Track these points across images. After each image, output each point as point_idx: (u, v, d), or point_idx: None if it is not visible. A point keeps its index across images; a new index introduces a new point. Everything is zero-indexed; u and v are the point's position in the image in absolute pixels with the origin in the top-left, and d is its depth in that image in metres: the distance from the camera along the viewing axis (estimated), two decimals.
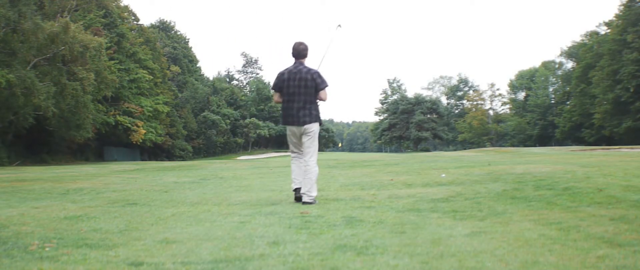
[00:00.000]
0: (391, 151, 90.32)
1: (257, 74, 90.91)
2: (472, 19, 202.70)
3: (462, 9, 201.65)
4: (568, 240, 3.24)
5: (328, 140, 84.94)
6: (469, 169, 9.94)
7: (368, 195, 6.35)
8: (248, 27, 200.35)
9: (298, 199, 5.77)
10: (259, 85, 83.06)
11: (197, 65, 74.50)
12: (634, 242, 3.10)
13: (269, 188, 8.10)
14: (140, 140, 45.63)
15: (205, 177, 11.52)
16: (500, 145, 70.00)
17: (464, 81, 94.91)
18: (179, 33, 72.47)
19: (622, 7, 49.86)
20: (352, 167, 13.74)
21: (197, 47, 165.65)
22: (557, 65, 77.87)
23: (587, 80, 55.06)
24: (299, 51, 5.94)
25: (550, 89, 75.81)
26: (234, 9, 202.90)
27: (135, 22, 54.27)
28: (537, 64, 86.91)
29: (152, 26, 65.30)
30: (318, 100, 5.93)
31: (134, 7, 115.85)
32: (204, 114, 68.04)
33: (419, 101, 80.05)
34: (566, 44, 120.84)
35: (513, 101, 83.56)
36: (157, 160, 48.51)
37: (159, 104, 49.79)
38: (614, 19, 52.67)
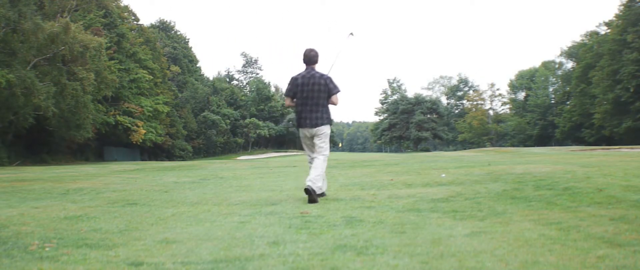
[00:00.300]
0: (391, 151, 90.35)
1: (257, 74, 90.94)
2: (472, 19, 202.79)
3: (462, 9, 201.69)
4: (568, 240, 3.24)
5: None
6: (469, 169, 9.94)
7: (368, 195, 6.35)
8: (248, 27, 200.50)
9: (312, 201, 5.76)
10: (259, 85, 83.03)
11: (197, 65, 74.49)
12: (634, 242, 3.10)
13: (269, 188, 8.10)
14: (140, 140, 45.63)
15: (205, 177, 11.51)
16: (500, 145, 70.00)
17: (464, 81, 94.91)
18: (179, 33, 72.46)
19: (622, 7, 49.86)
20: (352, 167, 13.74)
21: (197, 47, 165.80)
22: (557, 65, 77.88)
23: (587, 80, 55.06)
24: (310, 57, 6.23)
25: (550, 89, 75.80)
26: (234, 9, 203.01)
27: (135, 22, 54.26)
28: (537, 64, 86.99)
29: (152, 26, 65.30)
30: (330, 104, 6.24)
31: (134, 7, 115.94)
32: (204, 114, 68.04)
33: (419, 101, 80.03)
34: (566, 44, 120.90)
35: (513, 101, 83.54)
36: (157, 160, 48.51)
37: (159, 104, 49.79)
38: (614, 19, 52.67)
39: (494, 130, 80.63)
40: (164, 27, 69.94)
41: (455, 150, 76.82)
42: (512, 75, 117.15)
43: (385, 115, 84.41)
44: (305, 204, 5.63)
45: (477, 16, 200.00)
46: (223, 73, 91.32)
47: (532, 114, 72.74)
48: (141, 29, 53.90)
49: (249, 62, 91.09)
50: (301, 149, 75.53)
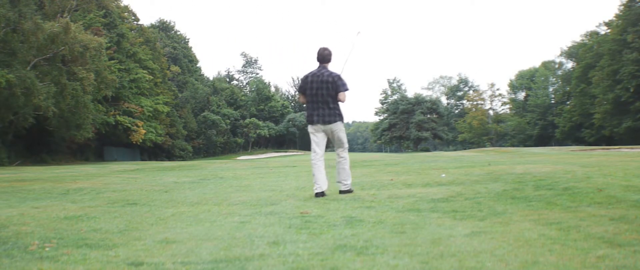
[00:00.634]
0: (391, 151, 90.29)
1: (257, 74, 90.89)
2: (472, 19, 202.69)
3: (462, 9, 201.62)
4: (568, 240, 3.24)
5: (328, 141, 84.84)
6: (469, 169, 9.94)
7: (368, 195, 6.34)
8: (248, 27, 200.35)
9: (319, 194, 6.17)
10: (259, 85, 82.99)
11: (197, 65, 74.46)
12: (634, 242, 3.10)
13: (269, 188, 8.09)
14: (140, 140, 45.61)
15: (205, 177, 11.51)
16: (500, 145, 69.98)
17: (464, 81, 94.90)
18: (179, 33, 72.44)
19: (622, 7, 49.87)
20: (352, 167, 13.71)
21: (197, 47, 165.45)
22: (557, 65, 77.90)
23: (587, 80, 55.07)
24: (324, 56, 6.42)
25: (550, 89, 75.81)
26: (234, 9, 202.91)
27: (135, 22, 54.25)
28: (537, 64, 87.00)
29: (152, 26, 65.26)
30: (338, 101, 6.38)
31: (134, 7, 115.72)
32: (204, 114, 68.02)
33: (419, 101, 79.98)
34: (566, 44, 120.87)
35: (513, 101, 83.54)
36: (157, 160, 48.50)
37: (159, 104, 49.78)
38: (614, 19, 52.69)
39: (494, 130, 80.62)
40: (164, 27, 69.92)
41: (455, 150, 76.82)
42: (512, 75, 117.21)
43: (385, 115, 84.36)
44: (305, 203, 5.62)
45: (477, 16, 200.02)
46: (223, 73, 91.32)
47: (532, 114, 72.74)
48: (141, 29, 53.89)
49: (249, 62, 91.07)
50: (301, 149, 75.54)
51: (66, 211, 5.30)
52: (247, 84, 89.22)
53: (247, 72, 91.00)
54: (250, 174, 12.16)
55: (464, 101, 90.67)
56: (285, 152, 65.56)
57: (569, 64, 72.08)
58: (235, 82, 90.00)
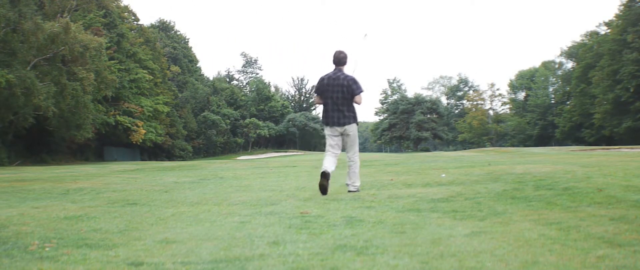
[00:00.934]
0: (391, 151, 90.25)
1: (257, 74, 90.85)
2: (472, 19, 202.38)
3: (462, 9, 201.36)
4: (568, 240, 3.24)
5: None
6: (469, 169, 9.94)
7: (368, 195, 6.35)
8: (248, 27, 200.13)
9: (324, 176, 6.38)
10: (259, 85, 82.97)
11: (197, 65, 74.43)
12: (634, 242, 3.10)
13: (269, 188, 8.09)
14: (140, 140, 45.61)
15: (205, 177, 11.51)
16: (500, 145, 69.98)
17: (464, 81, 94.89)
18: (179, 33, 72.41)
19: (622, 7, 49.88)
20: None
21: (197, 47, 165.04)
22: (557, 65, 77.89)
23: (587, 80, 55.07)
24: (340, 59, 6.65)
25: (550, 89, 75.81)
26: (234, 9, 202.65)
27: (135, 22, 54.24)
28: (537, 64, 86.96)
29: (152, 26, 65.23)
30: (354, 103, 6.64)
31: (134, 7, 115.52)
32: (204, 114, 68.00)
33: (419, 101, 79.98)
34: (566, 44, 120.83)
35: (513, 101, 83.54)
36: (157, 160, 48.49)
37: (159, 104, 49.77)
38: (614, 19, 52.69)
39: (494, 130, 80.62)
40: (164, 27, 69.90)
41: (455, 150, 76.80)
42: (512, 75, 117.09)
43: (385, 115, 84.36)
44: (305, 203, 5.62)
45: (477, 16, 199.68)
46: (223, 73, 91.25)
47: (532, 114, 72.74)
48: (141, 29, 53.88)
49: (249, 62, 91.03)
50: (301, 149, 75.61)
51: (66, 211, 5.30)
52: (247, 84, 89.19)
53: (247, 72, 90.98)
54: (250, 174, 12.16)
55: (464, 101, 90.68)
56: (285, 152, 65.53)
57: (569, 64, 72.10)
58: (235, 82, 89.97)
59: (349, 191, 6.67)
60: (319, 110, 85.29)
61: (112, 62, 40.85)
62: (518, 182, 6.83)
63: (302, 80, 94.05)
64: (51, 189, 8.33)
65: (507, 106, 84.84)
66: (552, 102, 72.71)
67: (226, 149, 72.46)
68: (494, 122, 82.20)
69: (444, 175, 8.78)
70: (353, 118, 6.62)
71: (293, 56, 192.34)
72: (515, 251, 2.95)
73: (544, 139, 68.96)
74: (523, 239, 3.32)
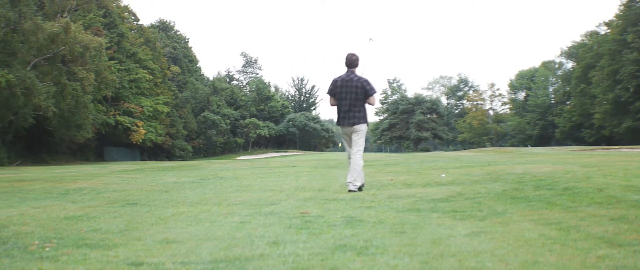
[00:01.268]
0: (391, 151, 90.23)
1: (257, 74, 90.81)
2: (472, 19, 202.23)
3: (462, 9, 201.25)
4: (568, 240, 3.24)
5: (328, 140, 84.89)
6: (469, 169, 9.94)
7: (368, 195, 6.34)
8: (248, 27, 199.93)
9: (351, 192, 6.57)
10: (259, 85, 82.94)
11: (197, 65, 74.42)
12: (634, 242, 3.10)
13: (268, 188, 8.09)
14: (140, 140, 45.60)
15: (205, 177, 11.51)
16: (500, 145, 69.98)
17: (464, 81, 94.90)
18: (179, 33, 72.39)
19: (622, 7, 49.86)
20: None
21: (197, 47, 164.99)
22: (557, 65, 77.91)
23: (587, 80, 55.06)
24: (352, 61, 6.92)
25: (550, 89, 75.81)
26: (234, 9, 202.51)
27: (135, 22, 54.23)
28: (537, 64, 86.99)
29: (152, 26, 65.22)
30: (367, 104, 6.91)
31: (134, 7, 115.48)
32: (204, 114, 67.97)
33: (419, 101, 79.98)
34: (566, 44, 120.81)
35: (513, 101, 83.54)
36: (157, 160, 48.47)
37: (159, 104, 49.76)
38: (614, 19, 52.68)
39: (494, 130, 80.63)
40: (164, 27, 69.89)
41: (455, 150, 76.79)
42: (512, 75, 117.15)
43: (385, 115, 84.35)
44: (305, 203, 5.62)
45: (477, 16, 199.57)
46: (223, 73, 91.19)
47: (532, 114, 72.74)
48: (141, 29, 53.87)
49: (249, 62, 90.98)
50: (301, 149, 75.60)
51: (66, 211, 5.30)
52: (247, 84, 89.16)
53: (247, 72, 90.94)
54: (250, 174, 12.16)
55: (464, 101, 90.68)
56: (285, 152, 65.49)
57: (569, 64, 72.10)
58: (235, 82, 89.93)
59: (349, 190, 6.69)
60: (319, 110, 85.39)
61: (112, 62, 40.84)
62: (518, 182, 6.83)
63: (302, 80, 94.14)
64: (51, 189, 8.32)
65: (507, 106, 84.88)
66: (552, 102, 72.71)
67: (226, 149, 72.43)
68: (494, 122, 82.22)
69: (444, 175, 8.77)
70: (363, 118, 6.86)
71: (293, 56, 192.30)
72: (515, 251, 2.95)
73: (544, 139, 68.98)
74: (523, 239, 3.32)
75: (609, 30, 54.78)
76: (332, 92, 6.97)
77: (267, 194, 7.08)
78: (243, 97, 79.31)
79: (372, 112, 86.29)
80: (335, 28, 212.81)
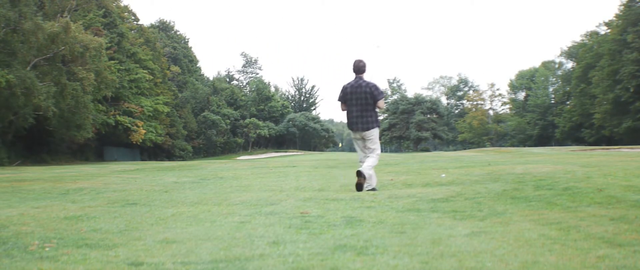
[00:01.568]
0: (391, 151, 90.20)
1: (257, 74, 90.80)
2: (472, 19, 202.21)
3: (462, 9, 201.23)
4: (568, 240, 3.24)
5: (328, 140, 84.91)
6: (469, 169, 9.94)
7: (368, 195, 6.34)
8: (248, 27, 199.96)
9: (359, 174, 6.77)
10: (259, 85, 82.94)
11: (197, 65, 74.42)
12: (634, 242, 3.10)
13: (268, 188, 8.09)
14: (140, 140, 45.59)
15: (205, 177, 11.51)
16: (500, 145, 69.97)
17: (464, 81, 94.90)
18: (179, 33, 72.40)
19: (622, 7, 49.86)
20: (352, 167, 13.71)
21: (197, 47, 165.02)
22: (557, 65, 77.91)
23: (587, 80, 55.06)
24: (359, 67, 7.16)
25: (550, 89, 75.82)
26: (234, 9, 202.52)
27: (135, 22, 54.23)
28: (537, 64, 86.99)
29: (152, 26, 65.22)
30: (377, 108, 7.13)
31: (134, 7, 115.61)
32: (204, 114, 67.97)
33: (419, 101, 79.99)
34: (566, 44, 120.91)
35: (513, 101, 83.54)
36: (157, 160, 48.46)
37: (159, 104, 49.75)
38: (614, 19, 52.68)
39: (494, 130, 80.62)
40: (164, 27, 69.88)
41: (455, 150, 76.78)
42: (512, 75, 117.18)
43: (385, 115, 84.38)
44: (305, 203, 5.62)
45: (477, 16, 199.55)
46: (223, 73, 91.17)
47: (532, 114, 72.74)
48: (141, 29, 53.87)
49: (249, 62, 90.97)
50: (301, 149, 75.59)
51: (66, 211, 5.29)
52: (247, 84, 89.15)
53: (247, 72, 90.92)
54: (250, 174, 12.16)
55: (464, 101, 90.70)
56: (285, 152, 65.47)
57: (569, 64, 72.10)
58: (235, 82, 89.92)
59: (365, 189, 6.96)
60: (319, 110, 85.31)
61: (112, 62, 40.84)
62: (518, 182, 6.83)
63: (302, 80, 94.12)
64: (51, 189, 8.32)
65: (507, 106, 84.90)
66: (552, 102, 72.72)
67: (226, 149, 72.41)
68: (494, 122, 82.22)
69: (444, 175, 8.77)
70: (374, 122, 7.13)
71: (293, 56, 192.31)
72: (515, 251, 2.95)
73: (544, 139, 68.98)
74: (523, 239, 3.32)
75: (609, 30, 54.79)
76: (342, 99, 7.23)
77: (267, 194, 7.08)
78: (243, 97, 79.32)
79: None
80: (335, 28, 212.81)
